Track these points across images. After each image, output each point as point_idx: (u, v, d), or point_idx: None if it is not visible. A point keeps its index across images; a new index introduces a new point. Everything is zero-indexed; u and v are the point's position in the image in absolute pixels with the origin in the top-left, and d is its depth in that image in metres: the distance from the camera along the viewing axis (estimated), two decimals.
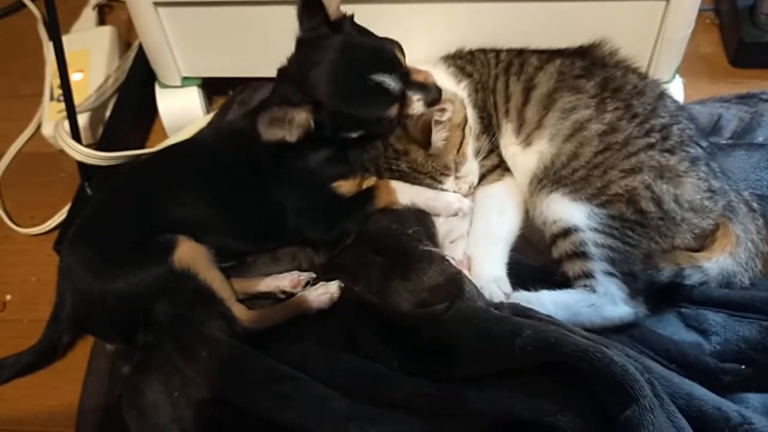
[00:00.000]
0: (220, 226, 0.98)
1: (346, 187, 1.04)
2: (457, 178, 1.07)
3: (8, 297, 1.16)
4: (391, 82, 0.97)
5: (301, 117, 0.94)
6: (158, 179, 1.01)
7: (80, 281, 0.92)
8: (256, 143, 0.93)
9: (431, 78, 1.03)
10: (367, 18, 1.12)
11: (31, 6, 1.57)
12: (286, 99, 0.95)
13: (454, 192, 1.08)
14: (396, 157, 1.06)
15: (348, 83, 0.97)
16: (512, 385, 0.84)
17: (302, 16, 0.98)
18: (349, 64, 0.97)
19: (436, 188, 1.07)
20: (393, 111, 1.00)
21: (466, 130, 1.07)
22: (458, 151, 1.05)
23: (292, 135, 0.93)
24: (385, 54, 0.98)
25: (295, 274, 1.03)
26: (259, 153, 0.99)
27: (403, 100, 1.00)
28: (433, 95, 1.01)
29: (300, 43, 0.99)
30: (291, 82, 0.98)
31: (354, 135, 1.02)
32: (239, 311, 0.96)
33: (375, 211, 1.05)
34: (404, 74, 0.99)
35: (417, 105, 1.01)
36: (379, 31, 1.12)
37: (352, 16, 1.00)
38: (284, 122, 0.93)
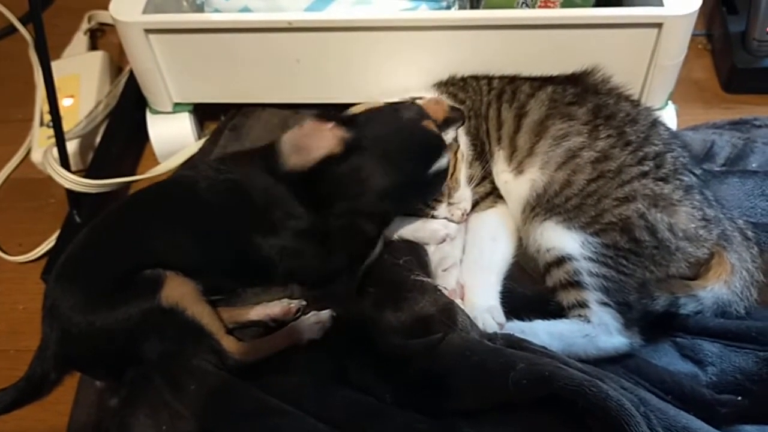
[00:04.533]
0: (210, 267, 0.96)
1: None
2: (450, 204, 1.07)
3: None
4: (444, 161, 0.96)
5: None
6: (147, 218, 0.98)
7: (66, 319, 0.90)
8: (249, 192, 0.93)
9: (443, 103, 1.02)
10: (360, 45, 1.12)
11: (23, 30, 1.56)
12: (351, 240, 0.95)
13: (447, 219, 1.06)
14: None
15: (413, 191, 0.97)
16: (506, 420, 0.83)
17: None
18: (405, 177, 0.94)
19: (428, 214, 1.06)
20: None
21: (458, 155, 1.06)
22: (451, 176, 1.04)
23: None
24: (426, 140, 0.96)
25: (285, 301, 1.01)
26: (250, 201, 0.97)
27: None
28: (459, 119, 1.01)
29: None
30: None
31: None
32: (229, 344, 0.93)
33: None
34: (443, 139, 0.97)
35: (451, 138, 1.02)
36: (372, 58, 1.12)
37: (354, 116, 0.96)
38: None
